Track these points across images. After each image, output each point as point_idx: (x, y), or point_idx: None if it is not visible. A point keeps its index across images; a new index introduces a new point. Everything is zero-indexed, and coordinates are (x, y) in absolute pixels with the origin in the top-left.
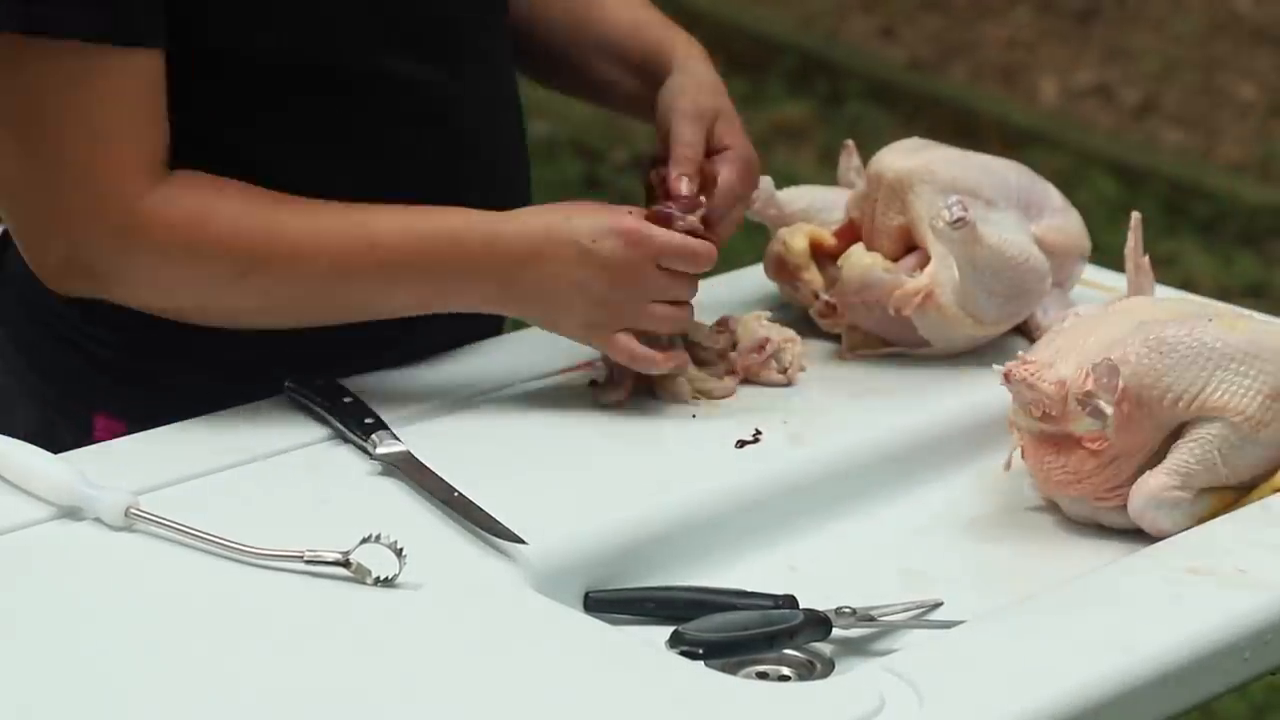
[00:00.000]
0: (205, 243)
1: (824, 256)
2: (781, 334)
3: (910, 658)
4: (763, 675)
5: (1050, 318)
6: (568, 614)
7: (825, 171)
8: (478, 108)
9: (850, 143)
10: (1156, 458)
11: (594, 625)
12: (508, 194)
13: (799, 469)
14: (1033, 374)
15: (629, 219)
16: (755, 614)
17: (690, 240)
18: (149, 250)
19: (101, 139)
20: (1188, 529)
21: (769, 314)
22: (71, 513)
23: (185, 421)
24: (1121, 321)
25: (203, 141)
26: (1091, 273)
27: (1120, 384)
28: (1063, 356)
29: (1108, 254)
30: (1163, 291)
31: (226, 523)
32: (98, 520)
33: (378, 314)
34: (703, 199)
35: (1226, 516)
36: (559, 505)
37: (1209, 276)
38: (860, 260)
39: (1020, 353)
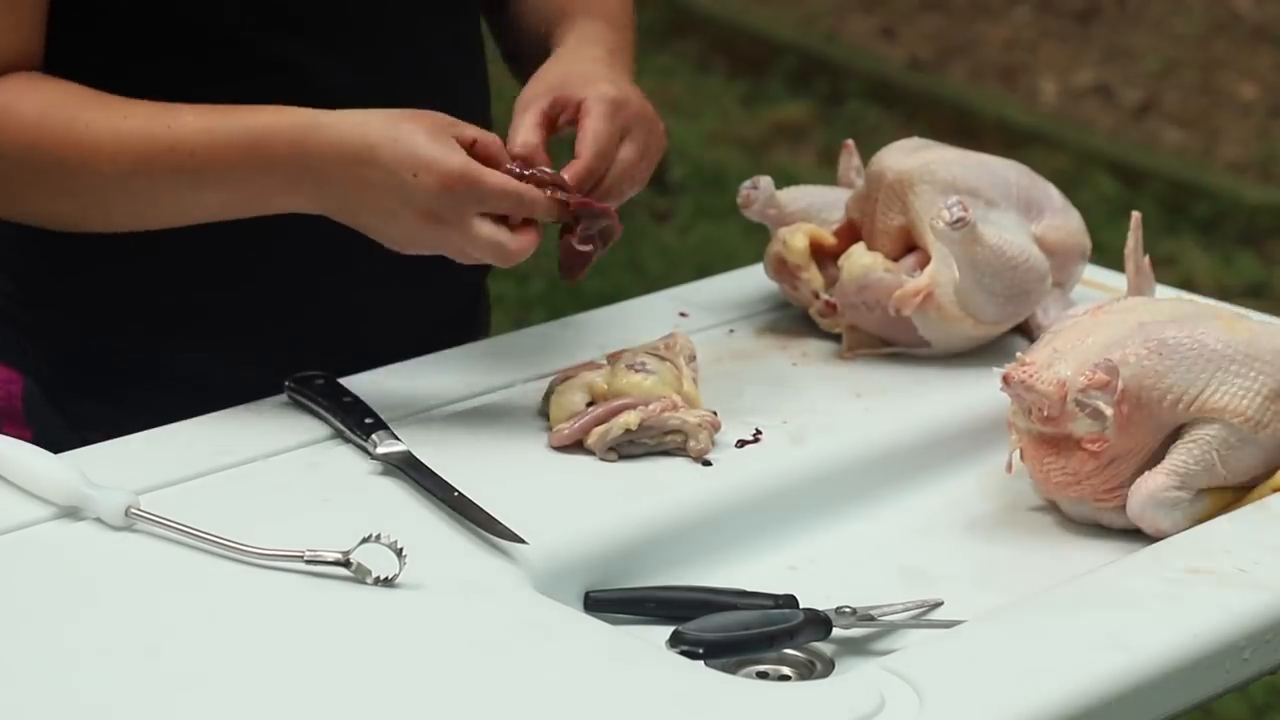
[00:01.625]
0: (4, 141)
1: (824, 256)
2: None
3: (910, 658)
4: (763, 675)
5: (1050, 318)
6: (568, 614)
7: (825, 171)
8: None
9: (850, 142)
10: (1155, 458)
11: (594, 625)
12: None
13: (799, 469)
14: (1031, 376)
15: (455, 161)
16: (755, 614)
17: (518, 185)
18: None
19: None
20: (1187, 529)
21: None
22: (71, 513)
23: (185, 421)
24: (1121, 322)
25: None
26: (1092, 273)
27: (1120, 385)
28: (1061, 357)
29: (1108, 254)
30: (1163, 291)
31: (226, 523)
32: (98, 520)
33: (194, 218)
34: (544, 157)
35: (1226, 516)
36: (559, 505)
37: (1209, 276)
38: (860, 260)
39: (1019, 354)
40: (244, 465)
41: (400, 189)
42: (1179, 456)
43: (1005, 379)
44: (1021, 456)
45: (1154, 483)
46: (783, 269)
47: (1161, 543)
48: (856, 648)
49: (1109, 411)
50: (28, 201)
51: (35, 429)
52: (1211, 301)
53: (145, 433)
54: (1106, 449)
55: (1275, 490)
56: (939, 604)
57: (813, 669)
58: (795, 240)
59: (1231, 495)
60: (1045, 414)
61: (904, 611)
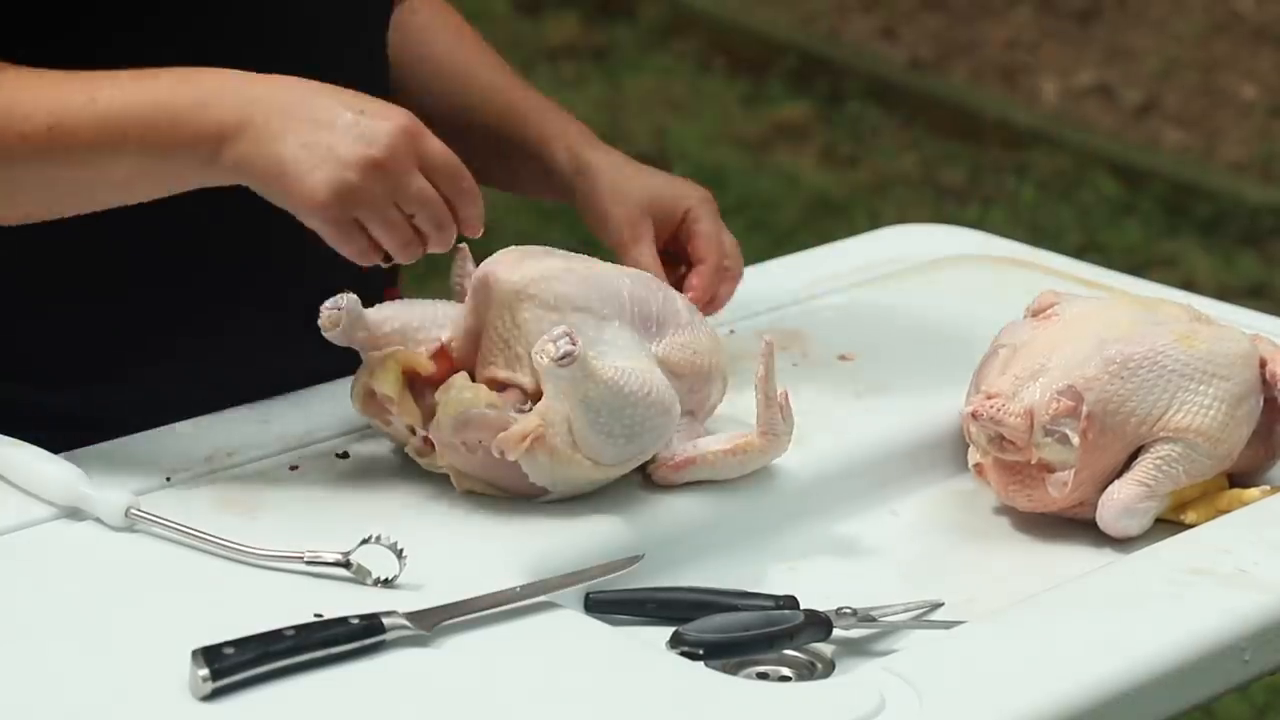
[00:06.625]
0: None
1: (423, 384)
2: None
3: (910, 658)
4: (763, 676)
5: (678, 451)
6: (568, 614)
7: (826, 172)
8: None
9: (464, 247)
10: (1119, 471)
11: (594, 626)
12: None
13: (799, 469)
14: (999, 410)
15: (404, 113)
16: (756, 614)
17: (459, 161)
18: None
19: None
20: (1147, 528)
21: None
22: (71, 513)
23: (185, 421)
24: (1078, 337)
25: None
26: (1092, 273)
27: (1085, 410)
28: (1024, 384)
29: (1109, 253)
30: (1164, 293)
31: (226, 523)
32: (98, 520)
33: (109, 188)
34: None
35: (1226, 517)
36: (559, 505)
37: (1210, 277)
38: (460, 395)
39: (983, 388)
40: (244, 465)
41: (343, 123)
42: (1146, 469)
43: (974, 415)
44: (978, 471)
45: (1126, 494)
46: (371, 403)
47: (1161, 543)
48: (857, 648)
49: (1076, 439)
50: None
51: None
52: (1166, 294)
53: (145, 433)
54: (1074, 476)
55: (1242, 503)
56: (939, 604)
57: (813, 670)
58: (384, 371)
59: (1190, 493)
60: (1012, 444)
61: (904, 612)
